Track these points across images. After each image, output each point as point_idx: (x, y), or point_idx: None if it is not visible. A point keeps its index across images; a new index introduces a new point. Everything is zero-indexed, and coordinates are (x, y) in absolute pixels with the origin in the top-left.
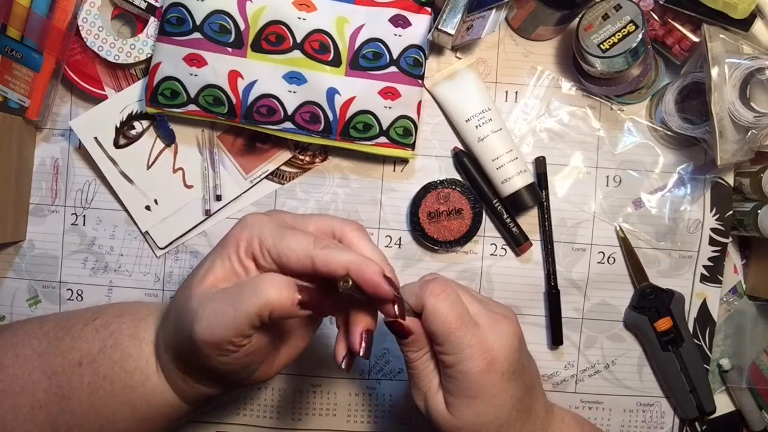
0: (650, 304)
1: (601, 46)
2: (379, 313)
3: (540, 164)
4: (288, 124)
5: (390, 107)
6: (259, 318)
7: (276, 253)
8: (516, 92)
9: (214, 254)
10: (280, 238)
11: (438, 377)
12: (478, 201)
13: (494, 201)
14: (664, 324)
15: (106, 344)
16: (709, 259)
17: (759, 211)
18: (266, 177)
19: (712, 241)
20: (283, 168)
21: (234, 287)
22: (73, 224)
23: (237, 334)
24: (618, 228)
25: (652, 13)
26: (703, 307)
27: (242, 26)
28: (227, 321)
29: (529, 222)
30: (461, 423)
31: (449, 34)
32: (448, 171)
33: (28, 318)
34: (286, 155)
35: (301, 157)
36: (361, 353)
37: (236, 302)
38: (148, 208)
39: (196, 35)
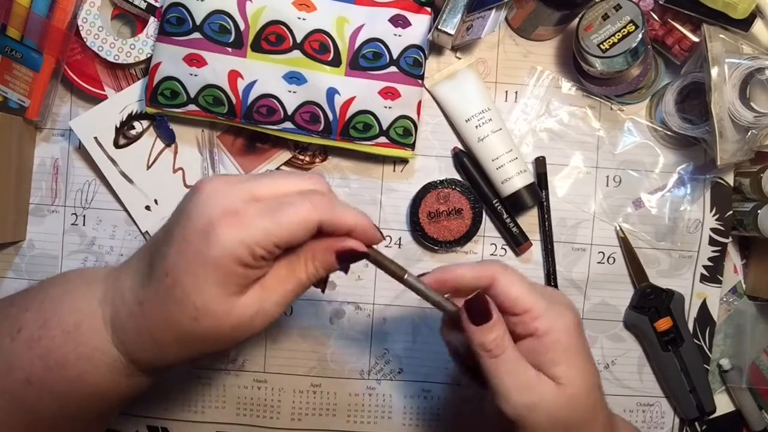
0: (650, 304)
1: (601, 46)
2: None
3: (540, 164)
4: (288, 124)
5: (390, 107)
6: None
7: (286, 242)
8: (516, 92)
9: (201, 277)
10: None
11: (527, 362)
12: (478, 201)
13: (494, 201)
14: (664, 324)
15: (48, 363)
16: (709, 259)
17: (759, 211)
18: None
19: (712, 241)
20: (283, 168)
21: (292, 283)
22: (73, 224)
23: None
24: (618, 228)
25: (652, 13)
26: (703, 307)
27: (242, 26)
28: (289, 300)
29: (529, 222)
30: (576, 389)
31: (449, 34)
32: (448, 171)
33: None
34: (286, 155)
35: (301, 157)
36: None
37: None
38: (148, 208)
39: (196, 35)
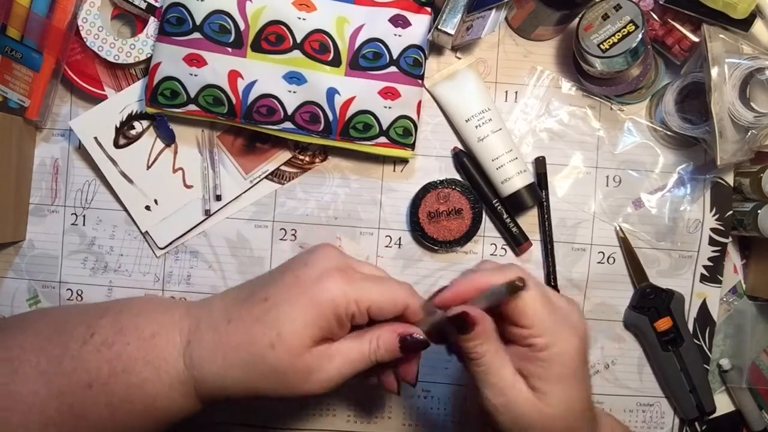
0: (650, 304)
1: (601, 46)
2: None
3: (540, 164)
4: (288, 124)
5: (390, 107)
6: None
7: (377, 308)
8: (516, 92)
9: (298, 310)
10: (380, 294)
11: (510, 365)
12: (478, 201)
13: (494, 201)
14: (664, 324)
15: (116, 368)
16: (709, 259)
17: (759, 211)
18: (266, 177)
19: (712, 241)
20: (283, 168)
21: (356, 352)
22: (73, 224)
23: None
24: (618, 228)
25: (652, 13)
26: (703, 307)
27: (242, 26)
28: (349, 371)
29: (529, 222)
30: (554, 411)
31: (449, 34)
32: (448, 171)
33: (19, 323)
34: (286, 155)
35: (301, 157)
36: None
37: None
38: (148, 208)
39: (196, 35)
